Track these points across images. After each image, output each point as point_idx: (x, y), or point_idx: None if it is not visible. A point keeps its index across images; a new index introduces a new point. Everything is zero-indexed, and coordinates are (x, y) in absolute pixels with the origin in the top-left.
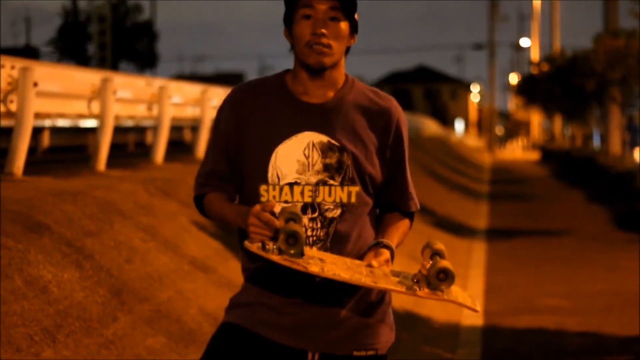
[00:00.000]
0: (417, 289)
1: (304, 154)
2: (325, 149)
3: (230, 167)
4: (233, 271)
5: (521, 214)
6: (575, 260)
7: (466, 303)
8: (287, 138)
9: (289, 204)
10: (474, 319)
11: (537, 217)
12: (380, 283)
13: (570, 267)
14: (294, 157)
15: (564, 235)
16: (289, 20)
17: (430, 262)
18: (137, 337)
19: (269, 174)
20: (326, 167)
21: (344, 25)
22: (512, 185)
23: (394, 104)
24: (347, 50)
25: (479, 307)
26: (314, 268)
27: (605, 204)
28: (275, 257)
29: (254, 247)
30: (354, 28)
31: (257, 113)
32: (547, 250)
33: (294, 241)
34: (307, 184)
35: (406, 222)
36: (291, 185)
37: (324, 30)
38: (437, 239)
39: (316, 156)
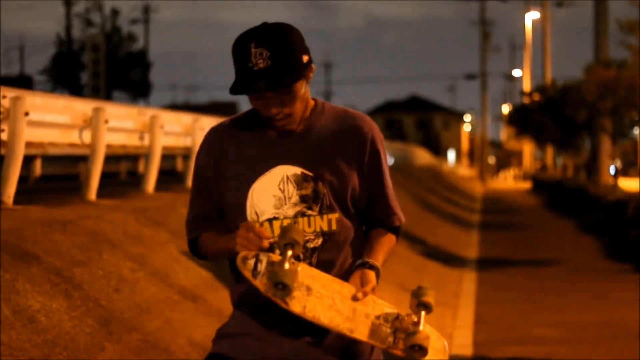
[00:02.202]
0: (392, 342)
1: (279, 188)
2: (300, 181)
3: (215, 209)
4: (222, 301)
5: (512, 244)
6: (566, 290)
7: None
8: (261, 174)
9: (293, 224)
10: (463, 349)
11: (528, 247)
12: (356, 332)
13: (561, 297)
14: (269, 193)
15: (555, 265)
16: None
17: (414, 319)
18: None
19: (248, 212)
20: (303, 199)
21: (298, 86)
22: (504, 215)
23: (366, 121)
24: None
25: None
26: (296, 308)
27: (596, 234)
28: (262, 288)
29: (245, 270)
30: (308, 67)
31: (231, 153)
32: (537, 280)
33: (282, 287)
34: (285, 218)
35: (391, 237)
36: (270, 220)
37: (279, 110)
38: (429, 286)
39: (291, 189)
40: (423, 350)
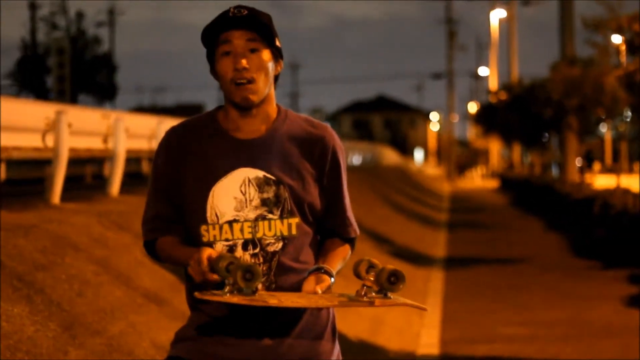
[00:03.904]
0: (368, 301)
1: (241, 191)
2: (262, 184)
3: (173, 209)
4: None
5: (479, 243)
6: (533, 289)
7: (415, 304)
8: (222, 176)
9: (223, 253)
10: (430, 348)
11: (496, 246)
12: (335, 302)
13: (528, 295)
14: (230, 195)
15: (522, 263)
16: (212, 59)
17: (372, 274)
18: None
19: (208, 214)
20: (264, 202)
21: (265, 55)
22: (471, 214)
23: (328, 131)
24: (276, 78)
25: (427, 307)
26: (273, 300)
27: (563, 232)
28: (234, 299)
29: (206, 296)
30: (277, 55)
31: (192, 154)
32: (504, 279)
33: (250, 276)
34: (246, 221)
35: (346, 247)
36: (230, 223)
37: (245, 65)
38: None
39: (253, 192)
40: (399, 277)
